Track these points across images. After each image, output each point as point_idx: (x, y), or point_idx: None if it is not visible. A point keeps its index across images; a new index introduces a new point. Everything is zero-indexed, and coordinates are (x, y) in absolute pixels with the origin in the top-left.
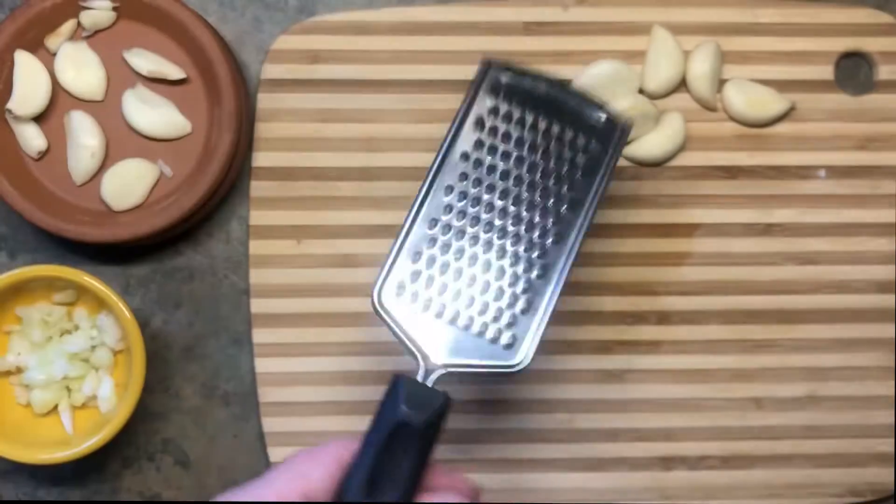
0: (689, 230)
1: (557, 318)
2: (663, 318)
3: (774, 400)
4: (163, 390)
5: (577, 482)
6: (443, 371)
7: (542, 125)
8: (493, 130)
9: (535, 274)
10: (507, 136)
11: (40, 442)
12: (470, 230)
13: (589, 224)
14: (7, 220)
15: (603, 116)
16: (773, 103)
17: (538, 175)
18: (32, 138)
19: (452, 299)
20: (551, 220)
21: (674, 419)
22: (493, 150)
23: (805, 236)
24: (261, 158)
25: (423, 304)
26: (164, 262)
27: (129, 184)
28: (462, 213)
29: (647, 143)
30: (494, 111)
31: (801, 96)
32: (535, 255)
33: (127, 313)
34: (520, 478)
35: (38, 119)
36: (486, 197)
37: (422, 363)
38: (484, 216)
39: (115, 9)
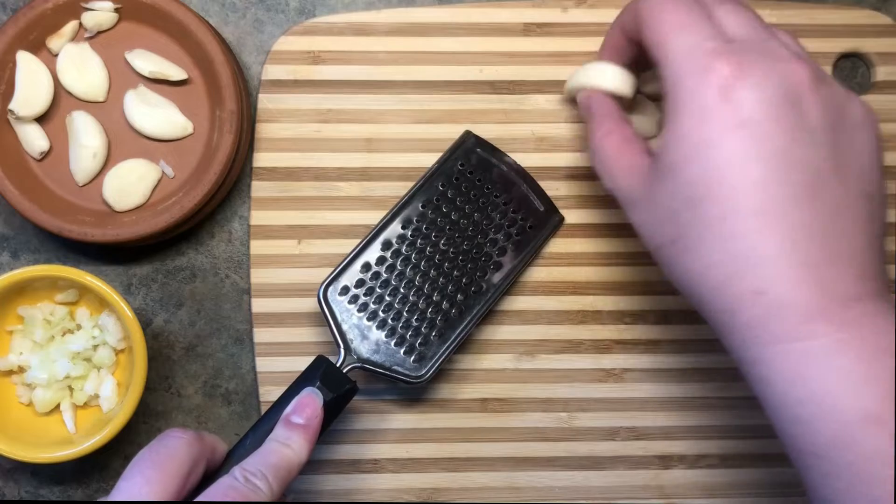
0: None
1: (558, 317)
2: (662, 317)
3: None
4: (164, 389)
5: (576, 480)
6: (357, 365)
7: (496, 195)
8: (457, 187)
9: (454, 311)
10: (465, 195)
11: (42, 441)
12: (415, 260)
13: (507, 286)
14: (9, 221)
15: (543, 207)
16: None
17: (480, 233)
18: (35, 139)
19: (384, 311)
20: (478, 273)
21: (673, 418)
22: (451, 202)
23: None
24: (261, 159)
25: (359, 307)
26: (165, 261)
27: (130, 184)
28: (412, 246)
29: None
30: (461, 173)
31: None
32: (458, 296)
33: (129, 313)
34: (519, 476)
35: (41, 120)
36: (434, 238)
37: (342, 353)
38: (429, 252)
39: (116, 10)
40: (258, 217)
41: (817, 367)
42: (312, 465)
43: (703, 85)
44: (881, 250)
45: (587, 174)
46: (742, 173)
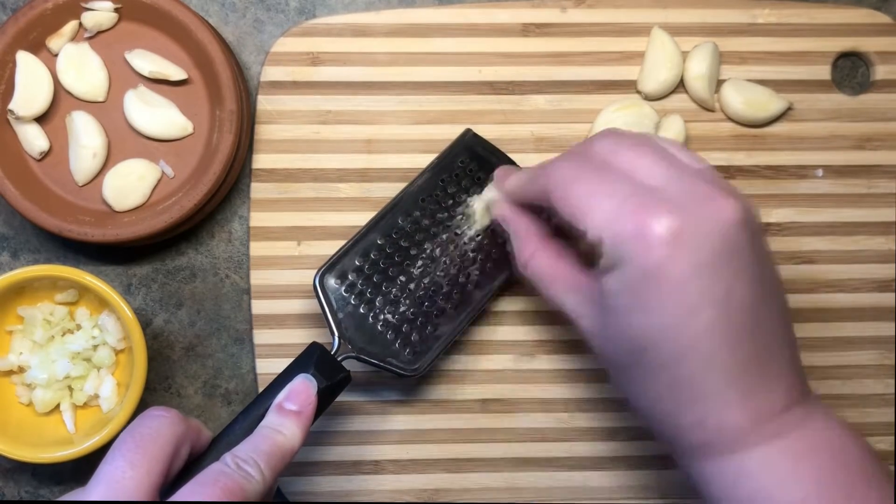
0: None
1: (558, 317)
2: None
3: None
4: (164, 389)
5: (576, 481)
6: (352, 354)
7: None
8: (456, 183)
9: (450, 306)
10: (464, 191)
11: (42, 441)
12: (413, 253)
13: (505, 284)
14: (9, 221)
15: None
16: (770, 103)
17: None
18: (34, 139)
19: (382, 301)
20: (476, 268)
21: None
22: (451, 197)
23: (802, 235)
24: (261, 160)
25: (356, 296)
26: (165, 261)
27: (130, 184)
28: (411, 238)
29: None
30: (461, 169)
31: (798, 96)
32: (455, 292)
33: (128, 313)
34: (519, 477)
35: (40, 120)
36: (432, 232)
37: (337, 342)
38: (426, 246)
39: (116, 10)
40: (258, 218)
41: (753, 473)
42: (313, 465)
43: (638, 245)
44: (797, 347)
45: None
46: (686, 327)
